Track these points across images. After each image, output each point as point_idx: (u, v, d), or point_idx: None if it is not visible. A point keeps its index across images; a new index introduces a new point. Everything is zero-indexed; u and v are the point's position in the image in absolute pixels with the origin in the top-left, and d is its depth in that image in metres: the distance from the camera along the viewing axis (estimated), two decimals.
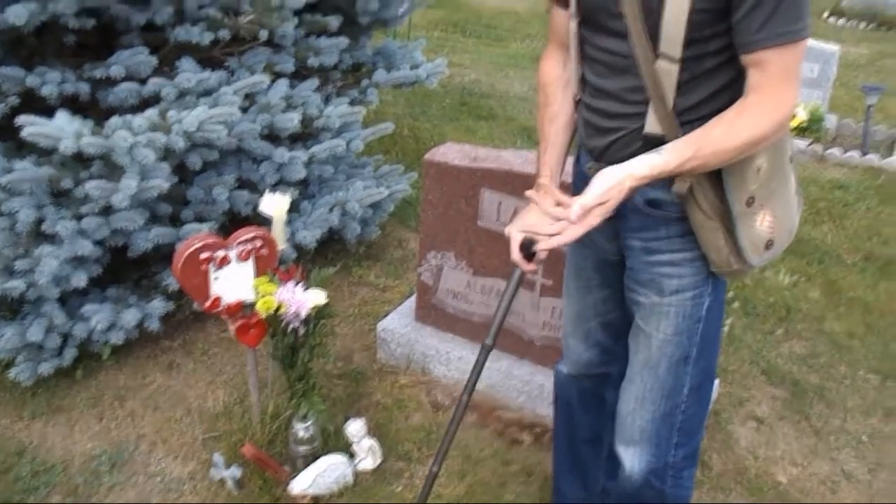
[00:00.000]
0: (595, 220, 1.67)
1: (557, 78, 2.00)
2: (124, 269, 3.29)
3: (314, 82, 3.63)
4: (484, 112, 6.65)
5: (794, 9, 1.56)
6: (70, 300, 3.09)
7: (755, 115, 1.61)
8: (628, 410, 2.00)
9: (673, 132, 1.70)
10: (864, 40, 10.70)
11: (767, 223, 1.79)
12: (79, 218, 2.92)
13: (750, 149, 1.64)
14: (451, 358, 3.21)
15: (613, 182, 1.65)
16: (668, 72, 1.66)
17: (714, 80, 1.66)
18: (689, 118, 1.68)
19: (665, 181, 1.74)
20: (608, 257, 2.02)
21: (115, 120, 2.88)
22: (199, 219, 3.29)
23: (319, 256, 3.83)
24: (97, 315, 3.04)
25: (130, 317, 3.11)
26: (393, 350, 3.34)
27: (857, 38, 10.72)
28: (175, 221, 3.27)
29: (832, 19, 11.72)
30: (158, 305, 3.20)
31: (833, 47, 6.69)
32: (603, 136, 1.83)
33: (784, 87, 1.60)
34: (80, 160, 2.86)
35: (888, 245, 4.84)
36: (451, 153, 3.05)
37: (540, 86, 2.04)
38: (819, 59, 6.49)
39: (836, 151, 6.21)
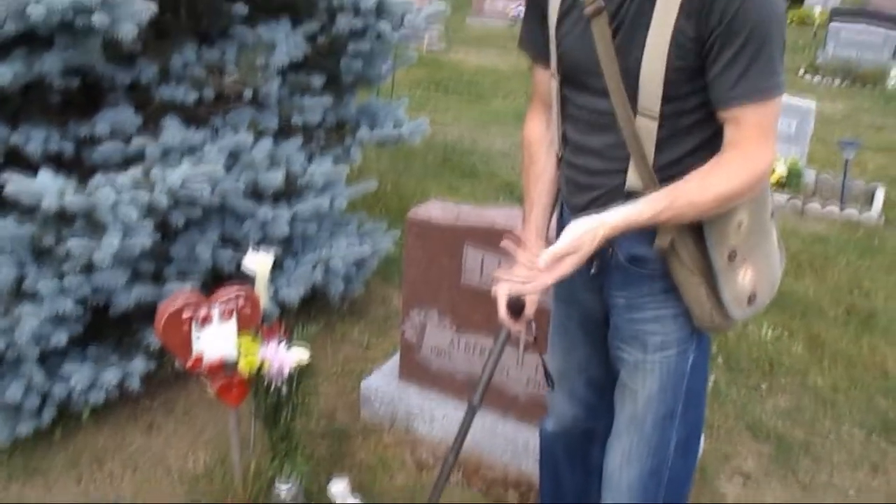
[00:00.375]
0: (567, 268, 1.66)
1: (541, 137, 2.02)
2: (105, 328, 3.26)
3: (298, 140, 3.65)
4: (467, 169, 6.69)
5: (769, 66, 1.59)
6: (50, 359, 3.05)
7: (730, 170, 1.63)
8: (615, 467, 1.99)
9: (654, 188, 1.71)
10: (839, 96, 10.87)
11: (750, 277, 1.81)
12: (60, 276, 2.90)
13: (725, 203, 1.65)
14: (435, 416, 3.19)
15: (585, 230, 1.65)
16: (647, 129, 1.68)
17: (694, 136, 1.68)
18: (669, 174, 1.70)
19: (647, 238, 1.75)
20: (592, 314, 2.02)
21: (98, 178, 2.88)
22: (182, 276, 3.28)
23: (303, 314, 3.81)
24: (77, 375, 3.00)
25: (111, 376, 3.07)
26: (377, 408, 3.32)
27: (833, 95, 10.89)
28: (157, 279, 3.25)
29: (808, 76, 11.91)
30: (139, 364, 3.17)
31: (810, 103, 6.79)
32: (585, 193, 1.85)
33: (760, 143, 1.62)
34: (63, 218, 2.85)
35: (869, 298, 4.87)
36: (434, 210, 3.06)
37: (524, 145, 2.06)
38: (796, 114, 6.59)
39: (815, 205, 6.28)
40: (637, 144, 1.71)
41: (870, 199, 6.51)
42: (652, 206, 1.65)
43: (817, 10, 14.97)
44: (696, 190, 1.63)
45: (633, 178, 1.75)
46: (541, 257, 1.66)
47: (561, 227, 2.03)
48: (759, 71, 1.58)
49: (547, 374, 2.15)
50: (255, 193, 3.44)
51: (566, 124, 1.90)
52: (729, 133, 1.63)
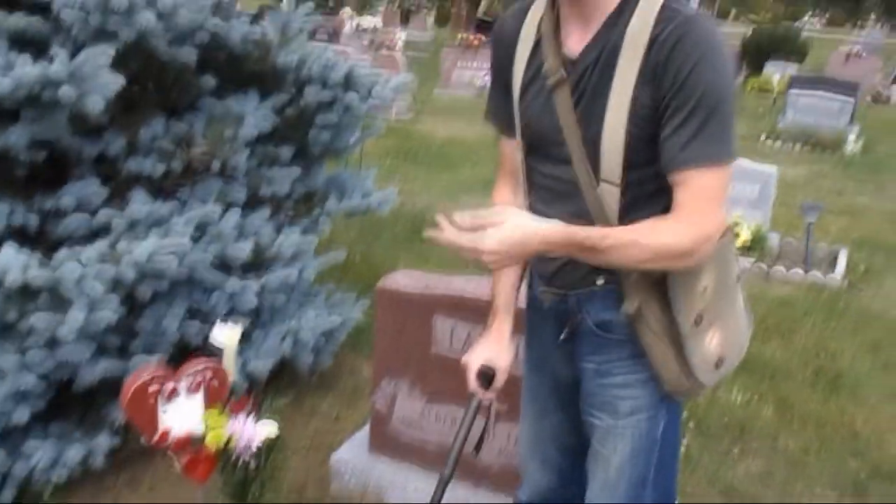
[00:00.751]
0: (485, 244, 1.61)
1: (509, 205, 2.04)
2: (69, 404, 3.20)
3: (266, 211, 3.65)
4: None
5: (718, 132, 1.61)
6: (11, 437, 2.99)
7: (677, 227, 1.64)
8: None
9: None
10: (800, 161, 11.08)
11: (717, 341, 1.82)
12: (23, 351, 2.86)
13: (667, 257, 1.64)
14: (406, 489, 3.14)
15: (521, 238, 1.61)
16: (610, 196, 1.71)
17: (656, 203, 1.70)
18: None
19: (615, 303, 1.77)
20: (564, 380, 2.02)
21: (63, 252, 2.86)
22: (148, 350, 3.24)
23: (271, 386, 3.77)
24: (39, 452, 2.94)
25: (74, 453, 3.01)
26: (347, 481, 3.27)
27: (794, 160, 11.10)
28: (123, 353, 3.21)
29: (769, 142, 12.15)
30: (104, 441, 3.11)
31: (772, 169, 6.92)
32: (552, 261, 1.86)
33: (708, 208, 1.64)
34: (27, 292, 2.82)
35: (836, 360, 4.91)
36: (404, 280, 3.06)
37: None
38: (759, 180, 6.70)
39: (780, 269, 6.35)
40: (600, 212, 1.73)
41: (833, 261, 6.60)
42: (595, 232, 1.65)
43: (776, 77, 15.36)
44: (645, 231, 1.63)
45: None
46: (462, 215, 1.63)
47: (531, 296, 2.04)
48: (709, 136, 1.60)
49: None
50: (223, 265, 3.42)
51: (532, 193, 1.92)
52: (678, 196, 1.64)
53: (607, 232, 1.64)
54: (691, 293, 1.74)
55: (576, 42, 1.74)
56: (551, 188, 1.83)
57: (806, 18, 48.81)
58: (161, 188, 3.39)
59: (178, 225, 3.17)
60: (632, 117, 1.64)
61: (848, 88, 13.03)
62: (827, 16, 53.29)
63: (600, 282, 1.81)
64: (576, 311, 1.87)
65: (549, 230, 1.62)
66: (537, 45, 1.82)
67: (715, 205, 1.64)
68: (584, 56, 1.72)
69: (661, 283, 1.74)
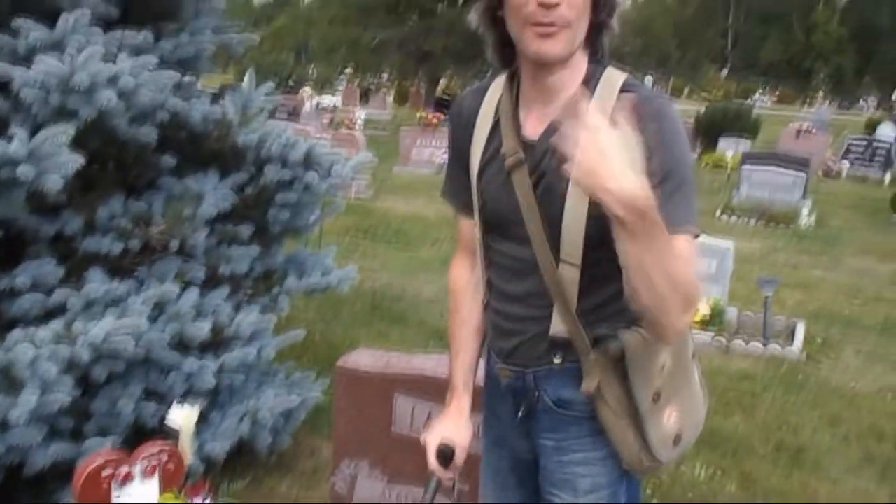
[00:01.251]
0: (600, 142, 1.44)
1: (466, 283, 2.05)
2: (18, 489, 3.12)
3: (225, 290, 3.63)
4: (396, 316, 6.69)
5: (684, 204, 1.64)
6: None
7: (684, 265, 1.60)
8: None
9: (578, 334, 1.74)
10: (755, 236, 11.26)
11: (674, 419, 1.82)
12: None
13: (678, 290, 1.56)
14: None
15: (621, 160, 1.43)
16: (570, 276, 1.72)
17: (615, 282, 1.70)
18: (592, 319, 1.74)
19: (574, 381, 1.77)
20: (523, 458, 2.00)
21: (17, 332, 2.82)
22: (103, 433, 3.17)
23: (229, 468, 3.70)
24: None
25: None
26: None
27: (750, 234, 11.27)
28: (76, 436, 3.14)
29: (725, 217, 12.34)
30: None
31: (728, 243, 7.01)
32: (510, 339, 1.87)
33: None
34: None
35: (797, 434, 4.92)
36: (363, 359, 3.05)
37: (450, 292, 2.09)
38: (716, 254, 6.79)
39: (740, 342, 6.40)
40: (560, 291, 1.74)
41: (791, 334, 6.67)
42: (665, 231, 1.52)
43: (730, 153, 15.66)
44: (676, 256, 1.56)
45: (557, 324, 1.78)
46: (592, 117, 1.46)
47: (489, 373, 2.04)
48: (676, 206, 1.61)
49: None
50: (181, 345, 3.38)
51: (490, 270, 1.93)
52: None
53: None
54: (650, 371, 1.75)
55: (535, 124, 1.77)
56: (509, 267, 1.85)
57: (757, 95, 50.13)
58: (119, 267, 3.36)
59: (136, 304, 3.14)
60: (593, 199, 1.65)
61: (800, 163, 13.32)
62: (777, 93, 54.73)
63: (558, 360, 1.82)
64: (533, 388, 1.87)
65: (640, 184, 1.44)
66: (496, 125, 1.84)
67: (694, 270, 1.64)
68: (543, 138, 1.74)
69: (620, 361, 1.74)
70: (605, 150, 1.42)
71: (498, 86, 1.88)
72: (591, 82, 1.74)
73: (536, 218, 1.72)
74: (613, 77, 1.74)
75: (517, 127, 1.80)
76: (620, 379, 1.75)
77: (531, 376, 1.87)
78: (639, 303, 1.58)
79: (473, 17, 1.79)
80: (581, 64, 1.75)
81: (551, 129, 1.73)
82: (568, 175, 1.46)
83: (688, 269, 1.60)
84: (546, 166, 1.72)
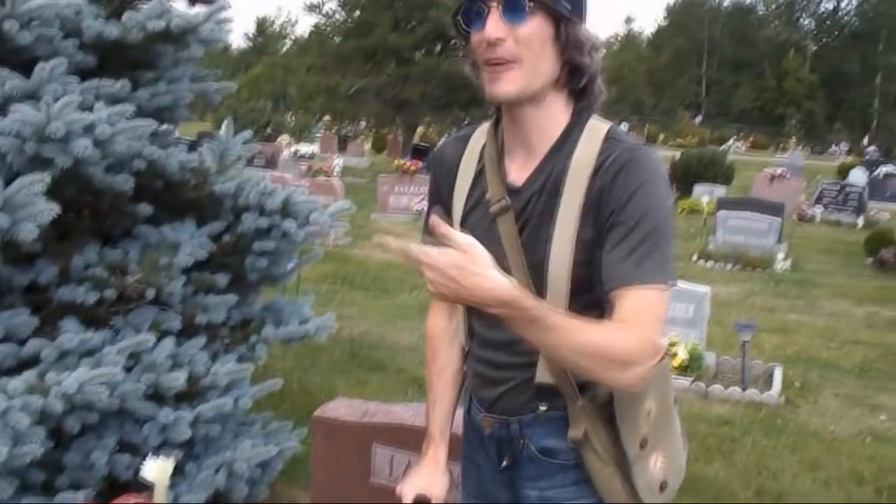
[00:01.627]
0: (425, 270, 1.52)
1: (443, 331, 2.04)
2: None
3: (201, 339, 3.59)
4: (374, 364, 6.65)
5: (659, 254, 1.64)
6: None
7: (622, 333, 1.59)
8: None
9: (564, 381, 1.73)
10: (732, 280, 11.33)
11: (660, 465, 1.81)
12: None
13: (604, 358, 1.57)
14: None
15: (473, 274, 1.49)
16: None
17: None
18: None
19: (560, 429, 1.77)
20: None
21: None
22: (75, 486, 3.11)
23: None
24: None
25: None
26: None
27: (726, 279, 11.34)
28: (48, 489, 3.08)
29: (701, 262, 12.42)
30: None
31: (705, 288, 7.05)
32: (494, 387, 1.85)
33: (650, 326, 1.62)
34: None
35: (777, 479, 4.91)
36: (341, 409, 3.02)
37: (427, 339, 2.08)
38: (693, 299, 6.81)
39: (718, 387, 6.41)
40: None
41: (769, 379, 6.69)
42: (545, 306, 1.56)
43: (705, 199, 15.79)
44: (591, 324, 1.58)
45: (542, 371, 1.77)
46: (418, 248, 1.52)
47: (470, 421, 2.02)
48: (650, 256, 1.62)
49: None
50: (156, 395, 3.33)
51: (472, 318, 1.92)
52: (621, 311, 1.62)
53: (555, 311, 1.57)
54: (637, 417, 1.74)
55: (519, 170, 1.78)
56: (491, 314, 1.84)
57: (731, 142, 50.68)
58: (94, 317, 3.33)
59: (111, 354, 3.10)
60: (578, 244, 1.67)
61: (774, 209, 13.47)
62: (750, 139, 55.39)
63: (543, 408, 1.80)
64: (518, 437, 1.85)
65: (503, 285, 1.50)
66: (480, 171, 1.84)
67: (657, 324, 1.64)
68: (528, 184, 1.75)
69: (606, 408, 1.73)
70: (458, 266, 1.47)
71: (481, 133, 1.90)
72: (573, 130, 1.75)
73: (521, 264, 1.72)
74: (596, 127, 1.75)
75: (502, 173, 1.80)
76: (608, 425, 1.74)
77: (516, 425, 1.85)
78: None
79: (468, 68, 1.80)
80: (557, 106, 1.76)
81: (536, 176, 1.74)
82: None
83: (613, 332, 1.59)
84: (530, 212, 1.73)
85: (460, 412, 2.09)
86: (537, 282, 1.72)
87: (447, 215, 1.91)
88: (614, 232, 1.64)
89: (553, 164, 1.73)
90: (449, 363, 2.04)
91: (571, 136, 1.74)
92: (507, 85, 1.67)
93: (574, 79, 1.74)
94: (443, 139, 29.07)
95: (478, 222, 1.83)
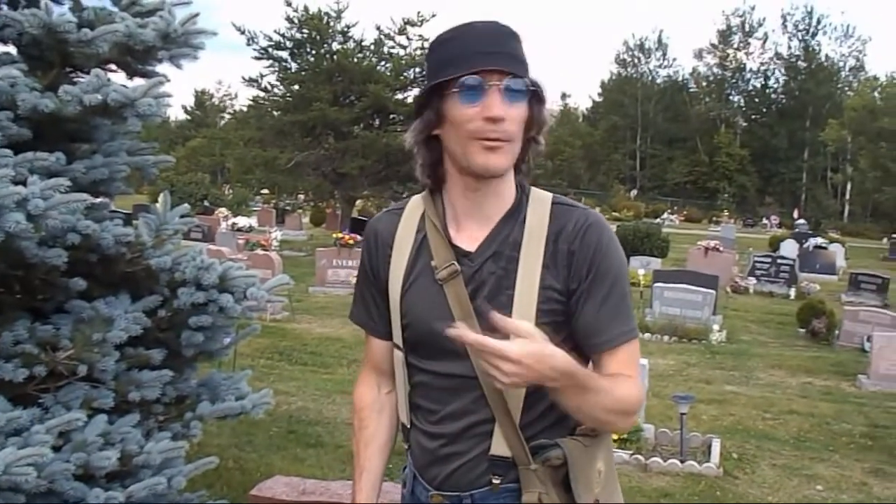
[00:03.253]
0: (506, 365, 1.54)
1: (372, 402, 2.05)
2: None
3: (135, 417, 3.51)
4: (312, 440, 6.55)
5: (629, 310, 1.80)
6: None
7: (630, 385, 1.76)
8: None
9: (521, 451, 1.73)
10: (669, 352, 11.44)
11: None
12: None
13: (622, 410, 1.73)
14: None
15: (545, 355, 1.56)
16: (516, 389, 1.70)
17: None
18: (533, 432, 1.75)
19: (515, 500, 1.76)
20: None
21: None
22: None
23: None
24: None
25: None
26: None
27: (664, 351, 11.46)
28: None
29: (639, 334, 12.53)
30: None
31: (643, 361, 7.10)
32: (445, 464, 1.83)
33: (636, 376, 1.79)
34: None
35: None
36: (278, 487, 2.96)
37: (355, 410, 2.08)
38: None
39: (657, 460, 6.42)
40: (501, 404, 1.74)
41: (707, 450, 6.72)
42: (588, 371, 1.69)
43: (641, 272, 16.00)
44: (612, 381, 1.72)
45: (498, 441, 1.76)
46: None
47: (414, 501, 1.96)
48: (626, 312, 1.79)
49: None
50: (87, 475, 3.23)
51: (416, 394, 1.90)
52: (611, 368, 1.76)
53: (593, 374, 1.71)
54: (590, 477, 1.77)
55: (470, 236, 1.82)
56: (441, 386, 1.83)
57: (665, 215, 51.68)
58: (22, 394, 3.23)
59: (39, 433, 3.01)
60: (540, 305, 1.73)
61: (709, 281, 13.71)
62: (684, 212, 56.53)
63: (497, 480, 1.78)
64: None
65: (566, 358, 1.59)
66: (422, 242, 1.86)
67: (638, 374, 1.80)
68: (481, 250, 1.80)
69: (560, 470, 1.74)
70: (535, 354, 1.55)
71: (415, 205, 1.92)
72: (521, 198, 1.84)
73: (475, 328, 1.71)
74: (540, 195, 1.86)
75: (448, 240, 1.82)
76: (560, 488, 1.75)
77: (468, 500, 1.83)
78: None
79: (408, 137, 1.84)
80: (511, 178, 1.84)
81: (490, 240, 1.80)
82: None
83: (626, 385, 1.74)
84: (485, 277, 1.77)
85: (396, 490, 2.05)
86: None
87: (382, 290, 1.91)
88: (595, 289, 1.75)
89: (508, 230, 1.80)
90: (377, 434, 2.03)
91: (521, 204, 1.83)
92: (502, 159, 1.74)
93: (529, 152, 1.84)
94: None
95: (423, 290, 1.83)
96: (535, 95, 1.76)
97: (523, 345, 1.54)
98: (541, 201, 1.84)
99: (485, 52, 1.71)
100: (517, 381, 1.56)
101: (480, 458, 1.79)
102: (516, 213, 1.82)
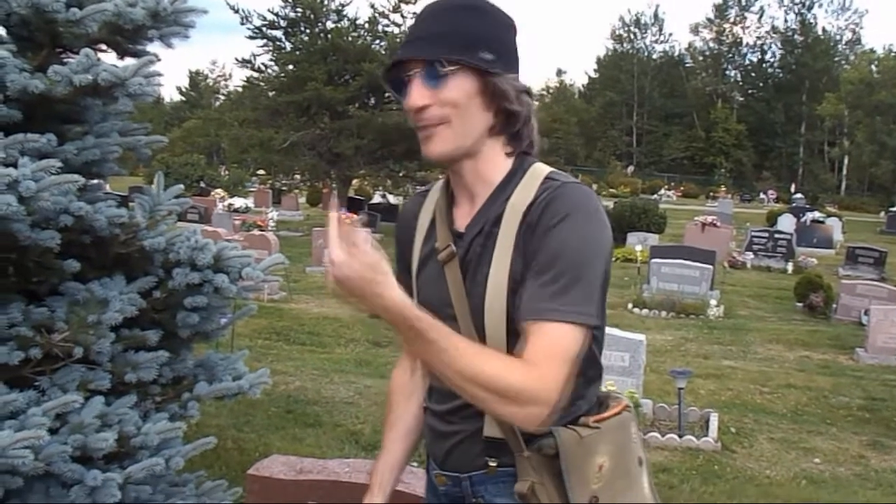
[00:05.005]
0: (333, 269, 1.52)
1: (402, 386, 2.05)
2: None
3: (132, 398, 3.50)
4: (310, 419, 6.56)
5: (576, 291, 1.61)
6: None
7: (513, 365, 1.57)
8: None
9: (512, 436, 1.70)
10: (666, 327, 11.46)
11: None
12: None
13: (488, 388, 1.54)
14: None
15: (372, 282, 1.51)
16: None
17: None
18: None
19: (510, 486, 1.72)
20: None
21: None
22: None
23: None
24: None
25: None
26: None
27: (661, 326, 11.48)
28: None
29: (636, 310, 12.55)
30: None
31: (640, 336, 7.12)
32: (444, 441, 1.84)
33: (548, 365, 1.57)
34: None
35: None
36: (276, 466, 2.96)
37: (388, 392, 2.08)
38: (629, 348, 6.87)
39: (655, 435, 6.45)
40: None
41: (706, 425, 6.74)
42: (429, 320, 1.55)
43: (638, 248, 16.00)
44: (479, 350, 1.60)
45: (490, 423, 1.74)
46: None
47: (428, 479, 1.97)
48: (563, 293, 1.59)
49: None
50: (84, 457, 3.23)
51: (428, 373, 1.89)
52: (524, 346, 1.59)
53: (440, 327, 1.56)
54: (586, 472, 1.69)
55: (464, 217, 1.80)
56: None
57: (662, 191, 51.64)
58: (18, 377, 3.23)
59: (36, 416, 3.00)
60: (511, 284, 1.66)
61: (706, 256, 13.72)
62: (681, 188, 56.48)
63: (493, 463, 1.76)
64: (470, 494, 1.81)
65: (392, 296, 1.52)
66: (432, 223, 1.86)
67: (557, 364, 1.57)
68: (469, 230, 1.77)
69: (553, 460, 1.68)
70: (367, 279, 1.50)
71: (437, 188, 1.92)
72: (515, 174, 1.77)
73: (466, 309, 1.71)
74: (539, 170, 1.77)
75: (450, 221, 1.82)
76: (555, 479, 1.68)
77: (466, 482, 1.82)
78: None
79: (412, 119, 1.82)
80: (495, 154, 1.78)
81: (476, 220, 1.77)
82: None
83: (508, 365, 1.57)
84: (471, 257, 1.74)
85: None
86: (478, 325, 1.70)
87: (409, 269, 1.91)
88: (534, 265, 1.63)
89: (492, 208, 1.75)
90: (401, 418, 2.03)
91: (513, 180, 1.76)
92: (439, 146, 1.70)
93: (509, 124, 1.76)
94: (379, 192, 29.13)
95: (430, 272, 1.83)
96: (472, 66, 1.66)
97: (353, 262, 1.49)
98: (534, 176, 1.75)
99: (406, 42, 1.70)
100: (344, 290, 1.52)
101: (475, 438, 1.77)
102: (504, 190, 1.75)
